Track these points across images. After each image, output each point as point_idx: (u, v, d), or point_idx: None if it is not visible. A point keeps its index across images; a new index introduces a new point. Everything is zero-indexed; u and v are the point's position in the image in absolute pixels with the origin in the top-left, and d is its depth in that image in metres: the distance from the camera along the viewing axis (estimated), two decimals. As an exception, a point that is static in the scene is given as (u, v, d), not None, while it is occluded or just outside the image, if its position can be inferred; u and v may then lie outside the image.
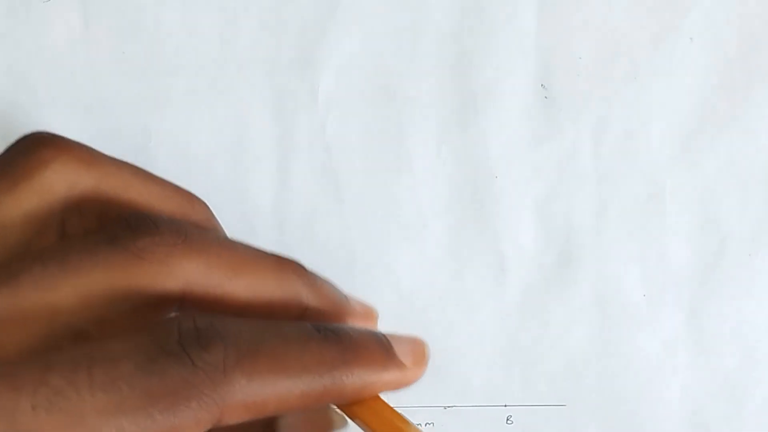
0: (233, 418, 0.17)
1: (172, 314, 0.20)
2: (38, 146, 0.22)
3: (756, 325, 0.35)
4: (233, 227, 0.35)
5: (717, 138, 0.34)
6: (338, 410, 0.22)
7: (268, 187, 0.34)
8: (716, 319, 0.35)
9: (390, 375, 0.21)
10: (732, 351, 0.35)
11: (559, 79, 0.34)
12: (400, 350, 0.21)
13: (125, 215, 0.20)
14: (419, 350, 0.22)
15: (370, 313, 0.26)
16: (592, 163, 0.34)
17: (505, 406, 0.35)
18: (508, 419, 0.35)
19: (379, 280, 0.34)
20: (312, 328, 0.19)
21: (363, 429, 0.22)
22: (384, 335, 0.22)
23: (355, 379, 0.20)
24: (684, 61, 0.34)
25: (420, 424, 0.35)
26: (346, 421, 0.23)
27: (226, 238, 0.22)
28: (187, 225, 0.21)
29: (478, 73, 0.34)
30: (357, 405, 0.21)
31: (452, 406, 0.35)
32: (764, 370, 0.35)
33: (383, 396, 0.22)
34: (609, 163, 0.34)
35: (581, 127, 0.34)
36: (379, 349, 0.21)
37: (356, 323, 0.24)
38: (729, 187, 0.34)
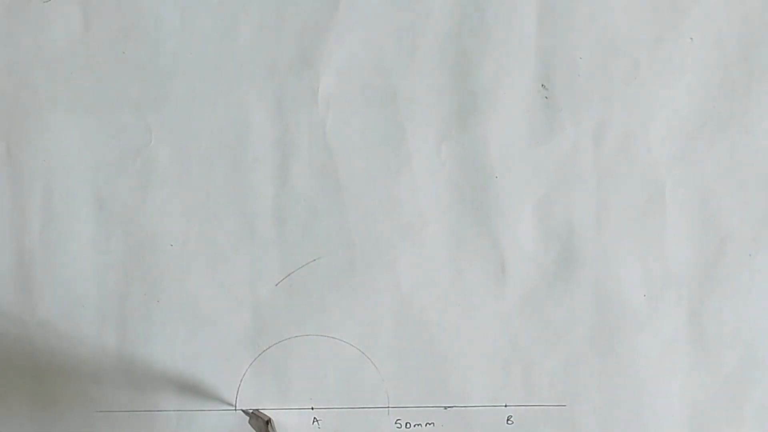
0: None
1: None
2: None
3: (756, 325, 0.35)
4: (233, 227, 0.35)
5: (717, 138, 0.34)
6: None
7: (268, 187, 0.34)
8: (716, 319, 0.35)
9: None
10: (732, 351, 0.35)
11: (559, 79, 0.34)
12: None
13: None
14: None
15: None
16: (592, 163, 0.34)
17: (506, 406, 0.35)
18: (508, 419, 0.35)
19: (379, 280, 0.34)
20: None
21: None
22: None
23: None
24: (684, 61, 0.34)
25: (420, 424, 0.35)
26: None
27: None
28: None
29: (478, 73, 0.34)
30: None
31: (452, 407, 0.35)
32: (764, 370, 0.35)
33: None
34: (609, 163, 0.34)
35: (581, 127, 0.34)
36: None
37: None
38: (729, 187, 0.34)
